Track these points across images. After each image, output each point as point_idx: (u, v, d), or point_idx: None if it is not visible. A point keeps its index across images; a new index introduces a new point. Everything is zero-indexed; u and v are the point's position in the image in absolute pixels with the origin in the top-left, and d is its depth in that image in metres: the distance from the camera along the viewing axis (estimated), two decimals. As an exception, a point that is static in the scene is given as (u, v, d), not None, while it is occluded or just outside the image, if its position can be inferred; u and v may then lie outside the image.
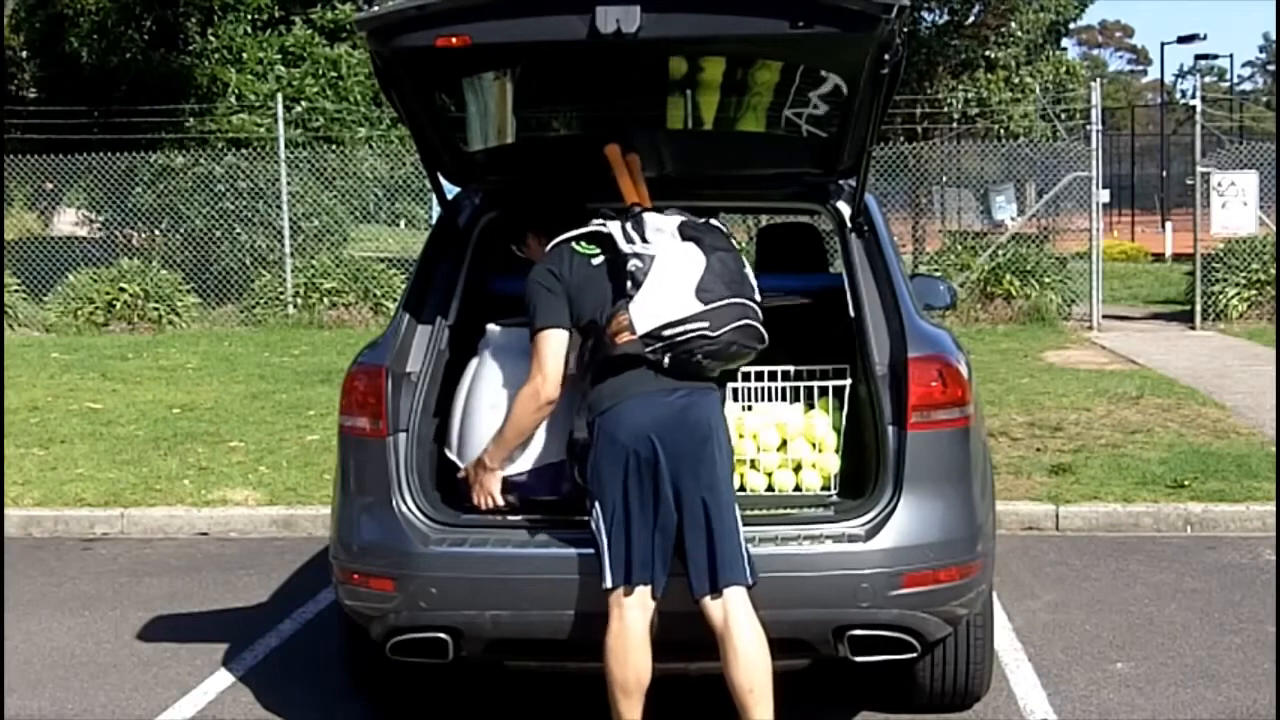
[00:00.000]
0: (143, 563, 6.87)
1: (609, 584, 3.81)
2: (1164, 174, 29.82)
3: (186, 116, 17.79)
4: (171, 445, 8.94)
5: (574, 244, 4.08)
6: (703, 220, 4.09)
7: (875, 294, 4.26)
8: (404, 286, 4.93)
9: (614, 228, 4.02)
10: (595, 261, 4.03)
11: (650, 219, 4.01)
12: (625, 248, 3.96)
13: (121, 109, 17.31)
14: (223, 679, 5.09)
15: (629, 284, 3.91)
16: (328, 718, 4.67)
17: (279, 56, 18.65)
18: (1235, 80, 45.84)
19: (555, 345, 3.97)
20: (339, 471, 4.42)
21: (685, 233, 3.98)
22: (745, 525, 3.86)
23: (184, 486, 7.89)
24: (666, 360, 3.87)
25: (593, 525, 3.86)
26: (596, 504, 3.86)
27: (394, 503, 4.13)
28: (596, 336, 3.95)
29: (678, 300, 3.86)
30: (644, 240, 3.96)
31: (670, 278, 3.89)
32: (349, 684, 4.59)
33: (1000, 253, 15.55)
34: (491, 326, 4.33)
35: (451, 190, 4.74)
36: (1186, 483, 7.45)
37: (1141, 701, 4.68)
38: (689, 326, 3.84)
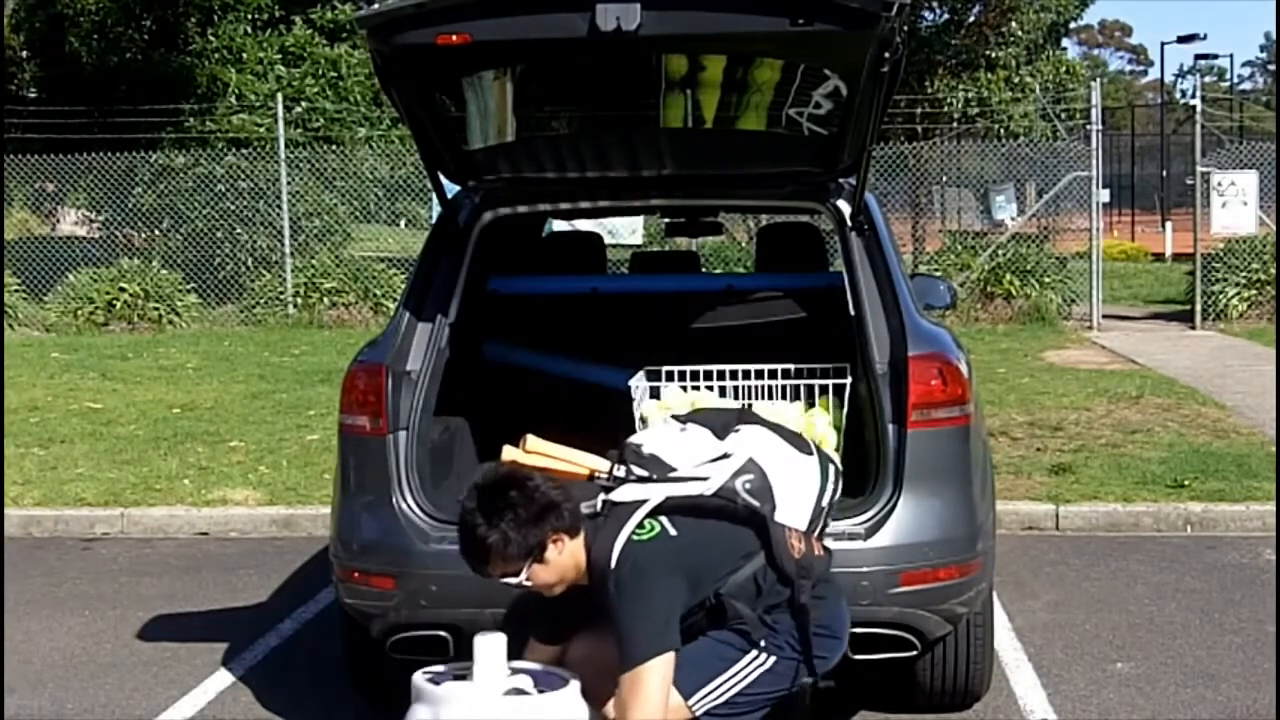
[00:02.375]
0: (143, 562, 6.87)
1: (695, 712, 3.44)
2: (1164, 174, 29.80)
3: (186, 116, 17.80)
4: (171, 445, 8.94)
5: (638, 535, 3.40)
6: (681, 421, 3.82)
7: (875, 293, 4.26)
8: (404, 286, 4.93)
9: (668, 486, 3.50)
10: (674, 532, 3.42)
11: (667, 452, 3.63)
12: (705, 485, 3.51)
13: (121, 109, 17.31)
14: (223, 679, 5.08)
15: (753, 501, 3.52)
16: (328, 717, 4.66)
17: (279, 56, 18.66)
18: (1235, 80, 45.84)
19: (665, 680, 3.32)
20: (339, 470, 4.42)
21: (720, 422, 3.75)
22: None
23: (184, 486, 7.89)
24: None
25: (738, 667, 3.46)
26: (763, 656, 3.48)
27: (394, 501, 4.13)
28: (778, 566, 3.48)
29: (804, 472, 3.68)
30: (698, 478, 3.53)
31: (782, 459, 3.65)
32: (349, 683, 4.59)
33: (1000, 252, 15.55)
34: (419, 682, 3.48)
35: (452, 189, 4.74)
36: (1186, 482, 7.44)
37: (1141, 701, 4.68)
38: (829, 485, 3.71)
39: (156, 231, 17.57)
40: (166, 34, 18.97)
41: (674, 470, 3.56)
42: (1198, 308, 14.78)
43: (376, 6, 3.87)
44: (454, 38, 3.70)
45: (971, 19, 21.80)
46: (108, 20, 18.77)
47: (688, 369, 4.54)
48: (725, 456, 3.59)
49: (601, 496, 3.52)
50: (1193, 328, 14.72)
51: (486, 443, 4.93)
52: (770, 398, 4.55)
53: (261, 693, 4.93)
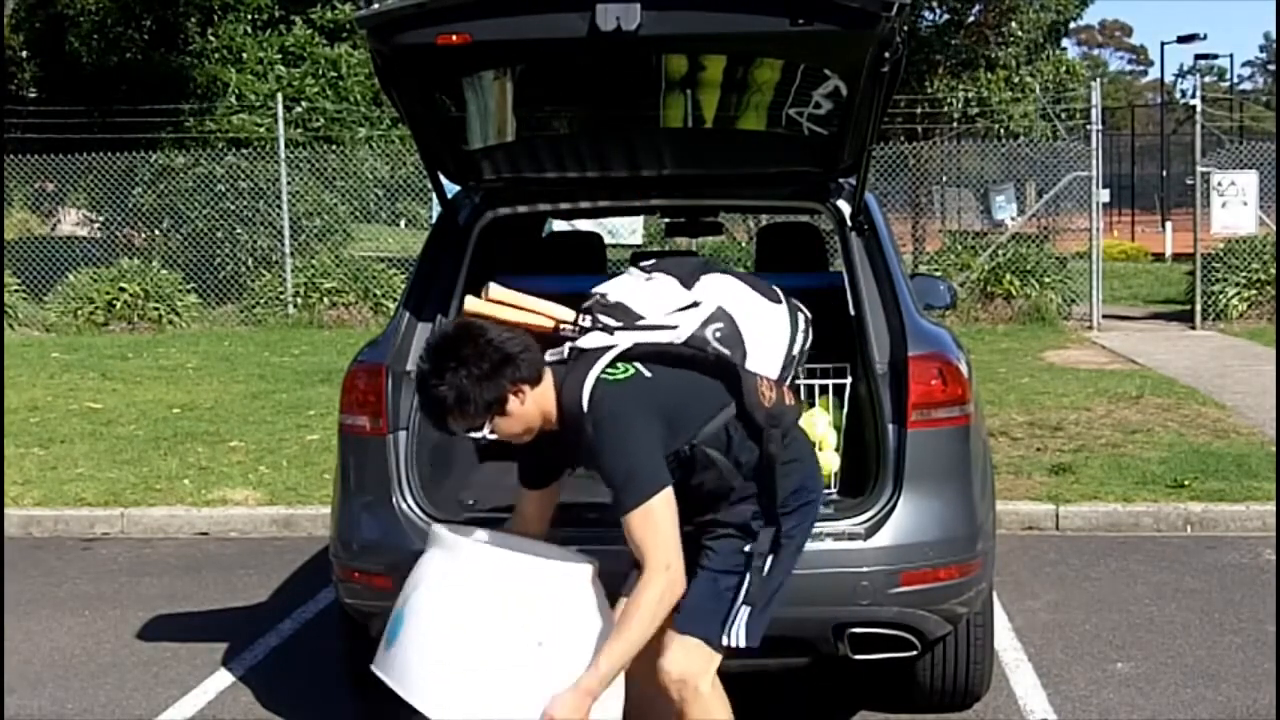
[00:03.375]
0: (143, 562, 6.87)
1: (733, 643, 3.41)
2: (1164, 174, 29.80)
3: (186, 116, 17.81)
4: (171, 445, 8.94)
5: (609, 376, 3.32)
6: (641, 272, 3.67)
7: (875, 292, 4.26)
8: (404, 286, 4.93)
9: (635, 334, 3.41)
10: (648, 374, 3.35)
11: (634, 300, 3.53)
12: (674, 334, 3.42)
13: (121, 109, 17.31)
14: (223, 679, 5.08)
15: (723, 350, 3.44)
16: (328, 717, 4.66)
17: (279, 56, 18.66)
18: (1235, 80, 45.84)
19: (673, 511, 3.26)
20: (339, 470, 4.42)
21: (685, 271, 3.59)
22: None
23: (184, 486, 7.89)
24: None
25: (746, 576, 3.41)
26: (762, 559, 3.42)
27: (394, 501, 4.13)
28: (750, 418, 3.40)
29: (774, 320, 3.59)
30: (666, 326, 3.45)
31: (751, 307, 3.55)
32: (349, 683, 4.59)
33: (1000, 252, 15.55)
34: (439, 529, 3.59)
35: (452, 189, 4.74)
36: (1186, 482, 7.44)
37: (1142, 701, 4.68)
38: (799, 333, 3.63)
39: (156, 231, 17.58)
40: (166, 34, 18.97)
41: (642, 319, 3.47)
42: (1198, 308, 14.78)
43: (376, 6, 3.87)
44: (454, 38, 3.70)
45: (971, 19, 21.80)
46: (108, 20, 18.77)
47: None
48: (694, 305, 3.50)
49: (569, 345, 3.44)
50: (1193, 328, 14.72)
51: (485, 442, 4.94)
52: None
53: (261, 693, 4.93)
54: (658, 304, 3.53)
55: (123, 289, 15.72)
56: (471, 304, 3.58)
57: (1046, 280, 15.15)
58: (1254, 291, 14.74)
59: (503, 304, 3.57)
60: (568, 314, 3.55)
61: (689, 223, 6.17)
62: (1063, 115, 19.50)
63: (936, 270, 14.89)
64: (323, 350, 13.29)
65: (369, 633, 4.16)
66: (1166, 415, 9.23)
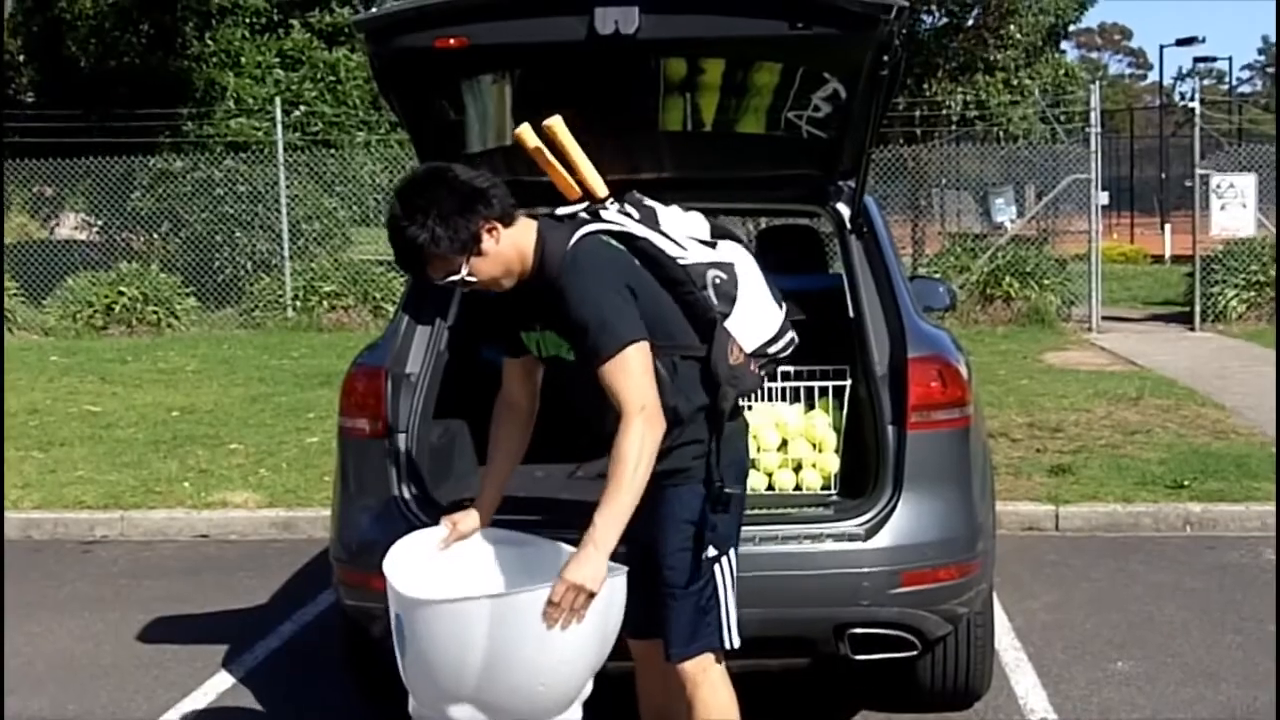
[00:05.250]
0: (143, 565, 6.87)
1: (735, 644, 3.39)
2: (1163, 176, 29.81)
3: (185, 120, 17.81)
4: (171, 448, 8.95)
5: (605, 238, 3.33)
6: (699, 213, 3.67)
7: (875, 295, 4.26)
8: (403, 289, 4.93)
9: (649, 232, 3.40)
10: (641, 268, 3.35)
11: (662, 213, 3.53)
12: (682, 254, 3.41)
13: (119, 113, 17.32)
14: (223, 680, 5.09)
15: (714, 298, 3.40)
16: (329, 718, 4.66)
17: (277, 60, 18.68)
18: (1234, 83, 45.88)
19: (649, 362, 3.22)
20: (338, 472, 4.43)
21: (715, 231, 3.59)
22: (746, 525, 3.75)
23: (184, 489, 7.89)
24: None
25: (718, 581, 3.37)
26: (725, 558, 3.38)
27: (394, 504, 4.13)
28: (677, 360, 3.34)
29: (769, 310, 3.54)
30: (679, 244, 3.44)
31: (756, 286, 3.53)
32: (350, 684, 4.59)
33: (999, 255, 15.56)
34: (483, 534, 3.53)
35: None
36: (1186, 483, 7.45)
37: (1142, 701, 4.68)
38: (784, 338, 3.57)
39: (155, 235, 17.59)
40: (164, 38, 18.99)
41: (659, 229, 3.44)
42: (1197, 309, 14.79)
43: (374, 10, 3.87)
44: (452, 41, 3.71)
45: (970, 22, 21.83)
46: (105, 24, 18.79)
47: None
48: (711, 245, 3.51)
49: (578, 208, 3.40)
50: (1192, 329, 14.73)
51: (485, 445, 4.94)
52: (770, 399, 4.55)
53: (262, 694, 4.94)
54: (682, 227, 3.52)
55: (121, 292, 15.72)
56: (523, 130, 3.54)
57: (1046, 282, 15.16)
58: (1253, 293, 14.75)
59: (555, 143, 3.53)
60: (601, 190, 3.52)
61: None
62: (1062, 118, 19.52)
63: (936, 272, 14.89)
64: (322, 353, 13.30)
65: (369, 635, 4.17)
66: (1166, 416, 9.24)
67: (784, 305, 3.64)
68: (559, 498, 4.47)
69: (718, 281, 3.43)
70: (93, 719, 4.75)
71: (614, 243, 3.32)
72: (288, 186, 16.38)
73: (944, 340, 4.34)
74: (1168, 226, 24.87)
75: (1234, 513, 7.08)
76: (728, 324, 3.41)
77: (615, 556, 3.15)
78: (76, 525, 7.50)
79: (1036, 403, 9.77)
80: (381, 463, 4.18)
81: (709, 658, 3.37)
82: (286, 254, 16.11)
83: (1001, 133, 20.30)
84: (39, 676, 5.16)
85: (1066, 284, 15.52)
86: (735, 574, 3.40)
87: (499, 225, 3.22)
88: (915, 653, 4.09)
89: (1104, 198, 15.86)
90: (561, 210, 3.42)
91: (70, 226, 20.67)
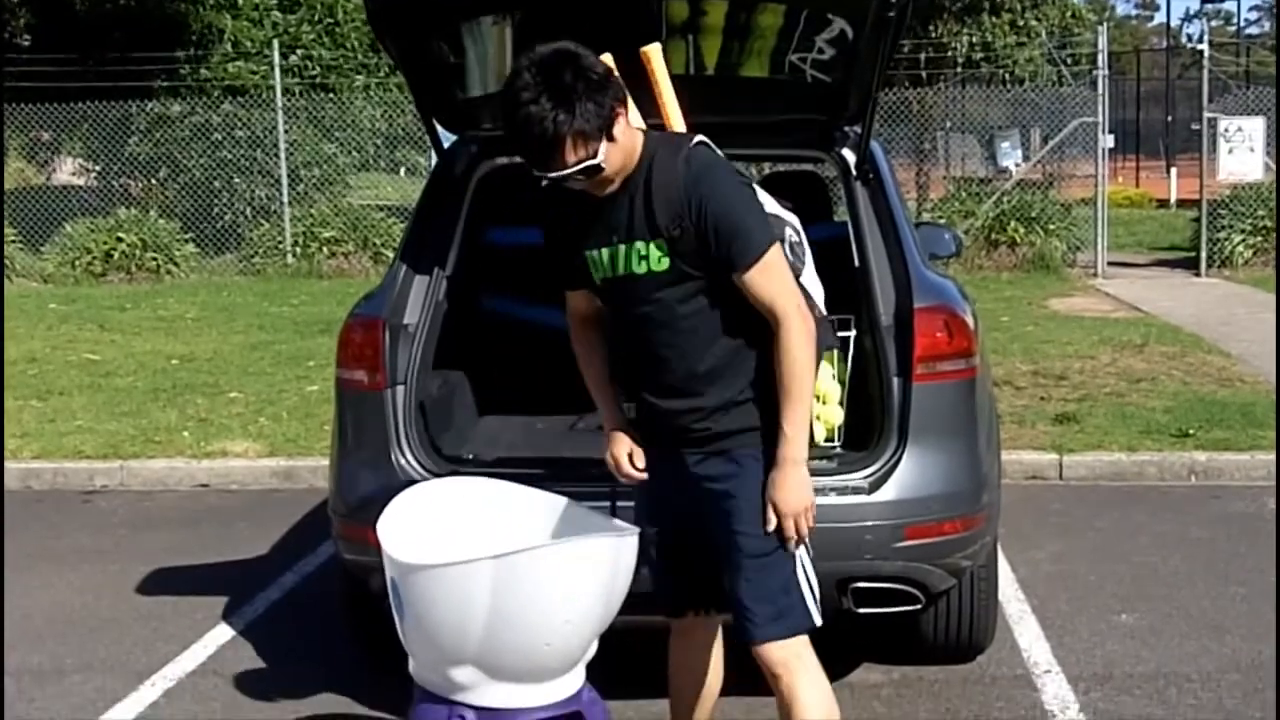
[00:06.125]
0: (143, 515, 6.84)
1: (818, 621, 3.18)
2: (1169, 119, 29.56)
3: (182, 64, 17.63)
4: (171, 396, 8.90)
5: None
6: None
7: (880, 243, 4.18)
8: (402, 235, 4.86)
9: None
10: None
11: None
12: (764, 200, 3.24)
13: (116, 56, 17.14)
14: (223, 633, 5.06)
15: (789, 254, 3.24)
16: (329, 671, 4.63)
17: (275, 2, 18.45)
18: (1242, 24, 45.44)
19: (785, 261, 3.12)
20: (336, 425, 4.38)
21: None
22: None
23: (183, 438, 7.85)
24: None
25: (800, 559, 3.18)
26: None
27: (392, 456, 4.09)
28: None
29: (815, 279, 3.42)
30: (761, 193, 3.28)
31: (808, 249, 3.43)
32: (350, 637, 4.56)
33: (1005, 199, 15.43)
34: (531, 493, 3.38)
35: (448, 139, 4.66)
36: (1191, 431, 7.40)
37: (1146, 653, 4.65)
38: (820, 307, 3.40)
39: (153, 181, 17.45)
40: (161, -21, 18.74)
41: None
42: (1203, 255, 14.69)
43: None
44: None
45: (976, -38, 21.53)
46: (101, -34, 18.54)
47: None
48: (788, 207, 3.41)
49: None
50: (1197, 275, 14.64)
51: (484, 395, 4.89)
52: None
53: (262, 646, 4.91)
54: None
55: (120, 239, 15.63)
56: (652, 48, 3.49)
57: (1051, 227, 15.04)
58: (1259, 238, 14.62)
59: (651, 69, 3.49)
60: (682, 126, 3.47)
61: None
62: (1068, 60, 19.31)
63: (940, 217, 14.79)
64: (322, 300, 13.23)
65: (368, 588, 4.13)
66: (1171, 364, 9.18)
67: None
68: (560, 449, 4.43)
69: (793, 239, 3.31)
70: (92, 671, 4.72)
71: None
72: (286, 132, 16.23)
73: (950, 289, 4.28)
74: (1173, 170, 24.68)
75: (1239, 462, 7.04)
76: (802, 280, 3.27)
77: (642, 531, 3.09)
78: (76, 475, 7.47)
79: (1041, 350, 9.71)
80: (380, 415, 4.12)
81: (800, 641, 3.13)
82: (286, 200, 16.00)
83: (1007, 75, 20.07)
84: (38, 630, 5.13)
85: (1072, 229, 15.40)
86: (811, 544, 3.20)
87: (623, 110, 3.01)
88: (919, 607, 4.06)
89: (1109, 141, 15.71)
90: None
91: (68, 172, 20.53)
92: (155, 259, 15.63)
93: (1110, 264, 15.09)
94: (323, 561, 5.76)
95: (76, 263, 15.57)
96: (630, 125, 3.05)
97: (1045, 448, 7.25)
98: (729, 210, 2.98)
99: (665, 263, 3.03)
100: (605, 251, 3.12)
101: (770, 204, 3.30)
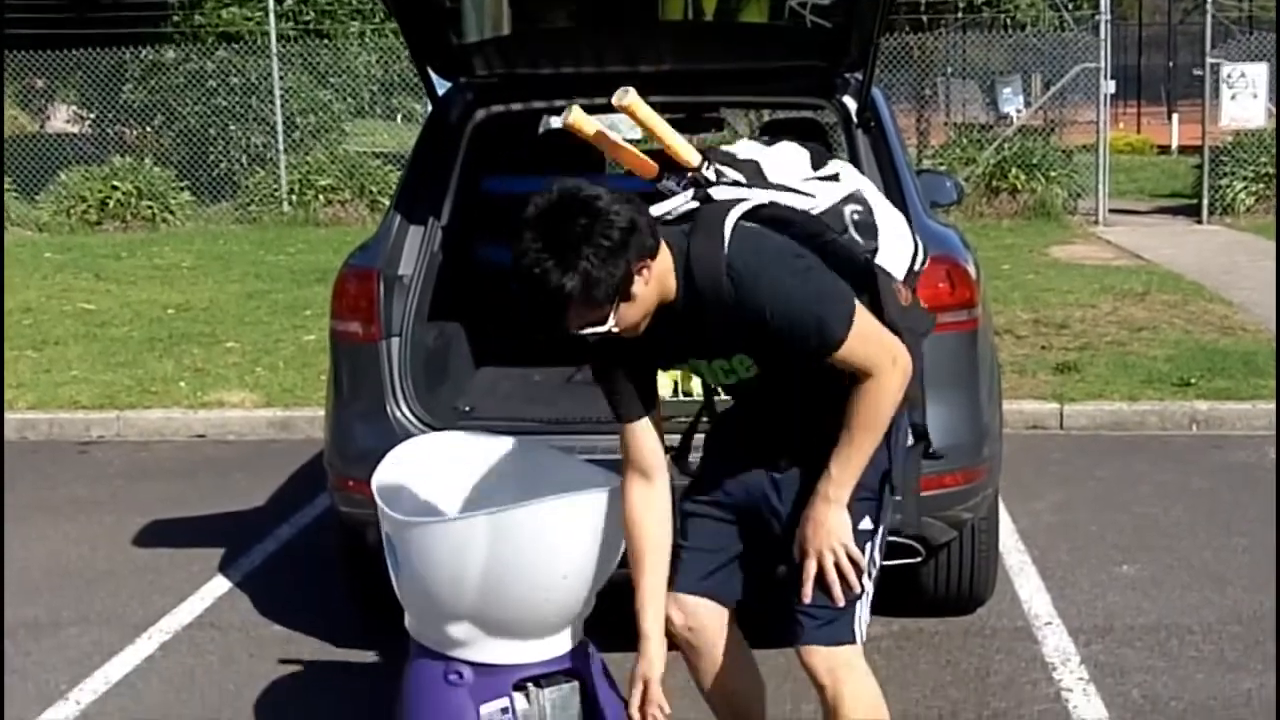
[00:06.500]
0: (139, 466, 6.82)
1: (863, 637, 2.89)
2: (1170, 65, 29.33)
3: (175, 10, 17.43)
4: (167, 346, 8.86)
5: (746, 223, 2.74)
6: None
7: (882, 192, 4.12)
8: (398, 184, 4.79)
9: (769, 193, 2.84)
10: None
11: (765, 161, 2.94)
12: (812, 203, 2.85)
13: (109, 2, 16.95)
14: (220, 585, 5.04)
15: (858, 237, 2.86)
16: (327, 623, 4.61)
17: (269, -53, 18.22)
18: (1245, -32, 44.97)
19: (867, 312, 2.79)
20: (331, 377, 4.34)
21: (816, 157, 3.01)
22: None
23: (180, 388, 7.82)
24: None
25: (869, 570, 2.89)
26: (878, 533, 2.94)
27: (388, 409, 4.06)
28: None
29: (897, 221, 3.03)
30: (804, 193, 2.88)
31: (879, 201, 3.01)
32: (346, 591, 4.54)
33: (1006, 146, 15.32)
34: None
35: (443, 86, 4.58)
36: (1193, 380, 7.37)
37: (1147, 605, 4.63)
38: (919, 247, 3.05)
39: (148, 128, 17.31)
40: (154, -77, 18.51)
41: (773, 182, 2.87)
42: (1205, 202, 14.58)
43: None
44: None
45: (978, -96, 21.27)
46: (93, -90, 18.30)
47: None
48: (834, 178, 2.93)
49: (683, 199, 2.81)
50: (1199, 222, 14.54)
51: (481, 347, 4.85)
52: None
53: (259, 598, 4.90)
54: (791, 170, 2.94)
55: (115, 187, 15.51)
56: (577, 116, 2.92)
57: (1052, 174, 14.93)
58: (1262, 186, 14.50)
59: (633, 114, 2.92)
60: (693, 156, 2.91)
61: (689, 118, 6.01)
62: (1070, 5, 19.10)
63: (941, 164, 14.69)
64: (319, 249, 13.14)
65: (364, 541, 4.11)
66: (1173, 312, 9.13)
67: (922, 253, 3.08)
68: (558, 401, 4.39)
69: (856, 217, 2.88)
70: (88, 625, 4.70)
71: (755, 225, 2.74)
72: (281, 79, 16.07)
73: (953, 239, 4.22)
74: (1175, 116, 24.50)
75: (1240, 411, 7.00)
76: (879, 260, 2.89)
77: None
78: (72, 426, 7.44)
79: (1042, 298, 9.65)
80: (375, 367, 4.09)
81: (852, 650, 2.87)
82: (281, 147, 15.87)
83: (1009, 20, 19.87)
84: (34, 582, 5.11)
85: (1073, 176, 15.29)
86: (882, 555, 2.95)
87: (650, 262, 2.62)
88: (919, 559, 4.04)
89: (1111, 86, 15.57)
90: (660, 208, 2.81)
91: (62, 119, 20.36)
92: (151, 207, 15.52)
93: (1111, 211, 14.99)
94: (319, 513, 5.74)
95: (71, 211, 15.47)
96: (658, 268, 2.65)
97: (1046, 397, 7.21)
98: (798, 310, 2.65)
99: (755, 369, 2.81)
100: (680, 368, 2.95)
101: (828, 192, 2.89)
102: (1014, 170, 14.83)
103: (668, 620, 2.92)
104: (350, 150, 16.84)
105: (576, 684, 3.09)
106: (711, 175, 2.87)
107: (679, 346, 2.82)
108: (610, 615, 3.13)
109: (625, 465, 2.91)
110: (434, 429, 3.98)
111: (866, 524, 2.86)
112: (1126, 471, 6.24)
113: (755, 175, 2.89)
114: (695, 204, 2.80)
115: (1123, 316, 9.03)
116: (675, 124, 6.35)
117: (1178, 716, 3.80)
